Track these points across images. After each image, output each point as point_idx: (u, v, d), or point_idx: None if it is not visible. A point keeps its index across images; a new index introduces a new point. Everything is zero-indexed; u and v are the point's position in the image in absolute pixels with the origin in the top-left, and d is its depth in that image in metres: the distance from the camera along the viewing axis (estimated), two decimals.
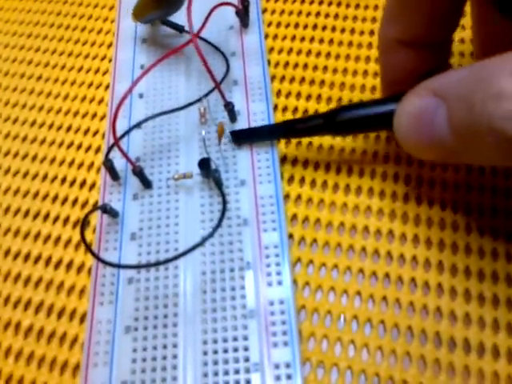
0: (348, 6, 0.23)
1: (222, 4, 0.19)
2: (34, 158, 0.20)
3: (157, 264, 0.16)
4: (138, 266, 0.16)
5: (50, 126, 0.21)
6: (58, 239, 0.18)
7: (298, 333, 0.15)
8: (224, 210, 0.15)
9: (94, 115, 0.21)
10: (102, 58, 0.23)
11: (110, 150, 0.17)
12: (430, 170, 0.18)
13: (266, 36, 0.23)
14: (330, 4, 0.23)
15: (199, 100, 0.19)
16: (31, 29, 0.24)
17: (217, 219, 0.17)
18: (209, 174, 0.17)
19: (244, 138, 0.18)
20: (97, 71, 0.22)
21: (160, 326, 0.15)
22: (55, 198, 0.19)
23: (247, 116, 0.19)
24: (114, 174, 0.18)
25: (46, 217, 0.19)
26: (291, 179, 0.19)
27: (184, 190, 0.18)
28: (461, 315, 0.16)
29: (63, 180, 0.20)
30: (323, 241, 0.17)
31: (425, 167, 0.18)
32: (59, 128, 0.21)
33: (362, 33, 0.22)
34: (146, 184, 0.18)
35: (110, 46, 0.23)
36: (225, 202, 0.16)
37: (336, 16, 0.23)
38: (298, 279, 0.17)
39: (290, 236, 0.17)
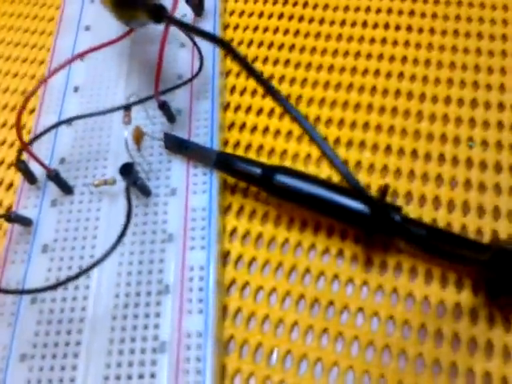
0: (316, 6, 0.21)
1: None
2: None
3: (61, 283, 0.13)
4: (41, 290, 0.14)
5: None
6: None
7: (220, 369, 0.13)
8: (127, 223, 0.13)
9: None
10: (41, 48, 0.21)
11: (21, 150, 0.15)
12: None
13: (226, 26, 0.20)
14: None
15: (129, 105, 0.16)
16: None
17: (140, 233, 0.15)
18: (131, 181, 0.15)
19: (176, 147, 0.16)
20: (33, 61, 0.20)
21: (59, 356, 0.13)
22: None
23: (189, 116, 0.17)
24: (30, 177, 0.16)
25: None
26: (234, 188, 0.16)
27: (108, 197, 0.16)
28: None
29: None
30: (262, 259, 0.15)
31: None
32: None
33: (332, 23, 0.20)
34: (66, 189, 0.16)
35: (50, 34, 0.21)
36: (129, 212, 0.13)
37: (305, 4, 0.20)
38: (229, 304, 0.14)
39: (227, 253, 0.15)
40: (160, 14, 0.15)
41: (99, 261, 0.13)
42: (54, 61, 0.19)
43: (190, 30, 0.14)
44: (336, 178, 0.16)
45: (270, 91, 0.13)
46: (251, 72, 0.13)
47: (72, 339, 0.14)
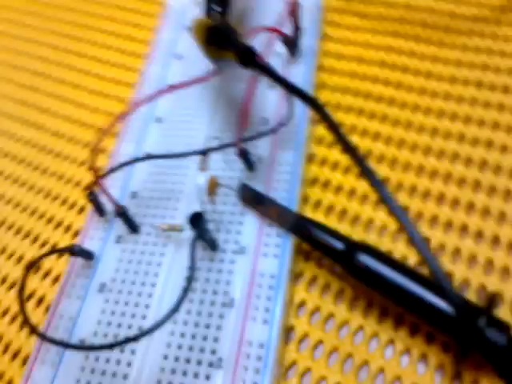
0: (431, 43, 0.19)
1: (259, 30, 0.16)
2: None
3: (113, 345, 0.12)
4: (88, 348, 0.13)
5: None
6: None
7: None
8: (189, 284, 0.12)
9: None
10: (131, 69, 0.20)
11: (92, 183, 0.15)
12: None
13: (320, 68, 0.19)
14: (408, 39, 0.19)
15: (207, 151, 0.15)
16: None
17: (200, 292, 0.14)
18: (199, 233, 0.14)
19: (252, 200, 0.15)
20: (123, 83, 0.20)
21: None
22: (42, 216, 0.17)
23: (269, 166, 0.16)
24: (99, 210, 0.15)
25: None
26: (309, 255, 0.15)
27: (174, 243, 0.15)
28: None
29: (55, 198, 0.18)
30: (330, 345, 0.13)
31: None
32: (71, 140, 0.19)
33: (440, 78, 0.18)
34: (132, 227, 0.15)
35: (143, 57, 0.21)
36: (192, 271, 0.12)
37: (412, 54, 0.18)
38: None
39: (291, 329, 0.14)
40: (249, 60, 0.13)
41: (157, 325, 0.11)
42: (142, 86, 0.19)
43: (278, 81, 0.13)
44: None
45: (365, 171, 0.11)
46: (345, 145, 0.11)
47: None
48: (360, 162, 0.11)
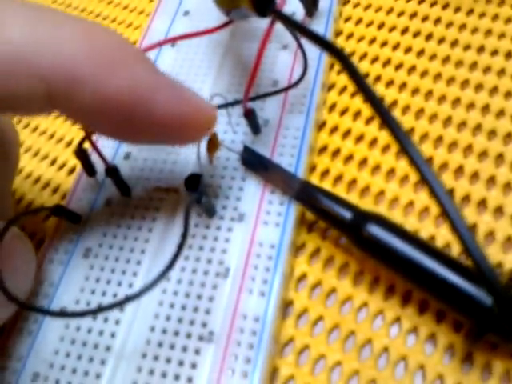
0: (458, 9, 0.17)
1: None
2: None
3: (96, 311, 0.11)
4: (70, 315, 0.12)
5: None
6: None
7: None
8: (181, 246, 0.11)
9: None
10: (136, 28, 0.19)
11: (82, 139, 0.13)
12: None
13: (339, 33, 0.17)
14: (433, 4, 0.17)
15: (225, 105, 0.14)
16: None
17: (193, 259, 0.13)
18: (195, 198, 0.12)
19: (255, 165, 0.14)
20: None
21: None
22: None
23: (276, 130, 0.14)
24: (89, 169, 0.14)
25: None
26: (312, 226, 0.14)
27: (167, 207, 0.14)
28: None
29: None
30: (331, 322, 0.12)
31: None
32: None
33: (466, 47, 0.16)
34: (123, 190, 0.14)
35: (148, 15, 0.19)
36: (185, 233, 0.11)
37: (438, 20, 0.17)
38: (280, 368, 0.12)
39: (289, 303, 0.13)
40: (266, 7, 0.12)
41: (143, 291, 0.10)
42: (145, 42, 0.17)
43: (299, 30, 0.12)
44: (440, 239, 0.13)
45: (388, 122, 0.10)
46: (369, 97, 0.10)
47: (93, 369, 0.12)
48: (384, 113, 0.09)
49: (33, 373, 0.12)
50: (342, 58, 0.10)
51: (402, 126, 0.10)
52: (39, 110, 0.10)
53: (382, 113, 0.10)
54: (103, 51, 0.10)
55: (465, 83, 0.15)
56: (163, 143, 0.12)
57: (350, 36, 0.17)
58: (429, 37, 0.17)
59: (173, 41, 0.14)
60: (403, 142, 0.09)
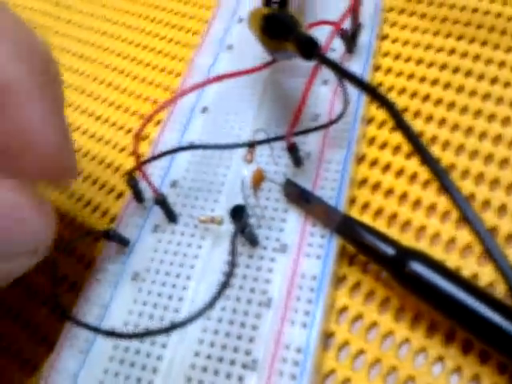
0: (497, 47, 0.17)
1: (319, 23, 0.15)
2: None
3: (144, 335, 0.12)
4: (120, 335, 0.12)
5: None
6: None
7: None
8: (228, 280, 0.11)
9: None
10: (181, 60, 0.20)
11: (133, 169, 0.14)
12: None
13: (377, 68, 0.18)
14: (471, 41, 0.18)
15: (255, 143, 0.14)
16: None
17: (237, 288, 0.13)
18: (240, 228, 0.13)
19: (297, 197, 0.14)
20: (170, 72, 0.20)
21: None
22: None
23: (317, 163, 0.15)
24: (138, 196, 0.15)
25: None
26: (353, 258, 0.14)
27: (212, 236, 0.14)
28: None
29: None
30: (372, 356, 0.12)
31: None
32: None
33: (507, 84, 0.16)
34: (171, 217, 0.15)
35: (192, 47, 0.20)
36: (233, 264, 0.11)
37: (477, 57, 0.17)
38: None
39: (330, 335, 0.13)
40: (312, 51, 0.13)
41: (191, 319, 0.11)
42: (189, 75, 0.18)
43: (343, 74, 0.12)
44: (484, 278, 0.13)
45: (427, 160, 0.10)
46: (412, 141, 0.10)
47: None
48: (425, 154, 0.10)
49: None
50: (394, 113, 0.11)
51: (441, 163, 0.10)
52: None
53: (421, 150, 0.10)
54: None
55: (506, 120, 0.16)
56: None
57: (388, 71, 0.18)
58: (468, 73, 0.17)
59: (218, 80, 0.14)
60: (443, 180, 0.10)
